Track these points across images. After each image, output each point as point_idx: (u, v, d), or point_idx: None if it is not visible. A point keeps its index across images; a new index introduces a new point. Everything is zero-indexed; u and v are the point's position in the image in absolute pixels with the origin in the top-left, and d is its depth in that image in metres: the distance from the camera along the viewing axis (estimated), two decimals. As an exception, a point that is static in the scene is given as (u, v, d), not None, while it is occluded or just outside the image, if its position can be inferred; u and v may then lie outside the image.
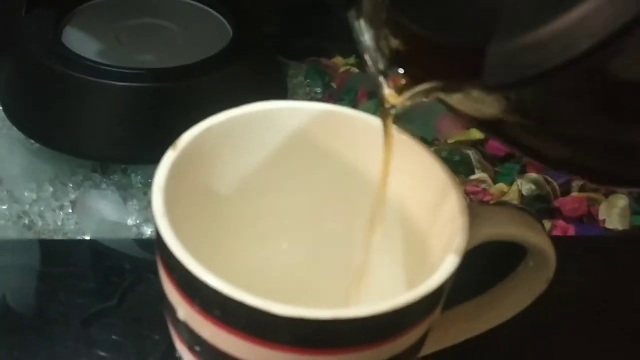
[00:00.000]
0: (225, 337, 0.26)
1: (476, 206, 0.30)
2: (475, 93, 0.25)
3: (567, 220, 0.47)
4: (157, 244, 0.27)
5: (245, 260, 0.35)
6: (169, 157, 0.29)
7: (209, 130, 0.31)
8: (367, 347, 0.26)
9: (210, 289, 0.25)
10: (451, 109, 0.28)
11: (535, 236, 0.30)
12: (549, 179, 0.48)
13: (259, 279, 0.35)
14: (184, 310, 0.27)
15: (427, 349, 0.31)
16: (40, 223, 0.43)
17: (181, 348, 0.29)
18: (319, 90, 0.55)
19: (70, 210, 0.44)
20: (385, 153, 0.29)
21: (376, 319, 0.25)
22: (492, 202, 0.47)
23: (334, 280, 0.35)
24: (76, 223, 0.43)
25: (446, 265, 0.26)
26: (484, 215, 0.30)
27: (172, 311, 0.28)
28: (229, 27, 0.50)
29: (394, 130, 0.29)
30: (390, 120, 0.29)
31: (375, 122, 0.32)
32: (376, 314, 0.25)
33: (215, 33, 0.49)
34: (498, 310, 0.33)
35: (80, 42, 0.47)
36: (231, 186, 0.33)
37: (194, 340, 0.28)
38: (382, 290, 0.34)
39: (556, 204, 0.47)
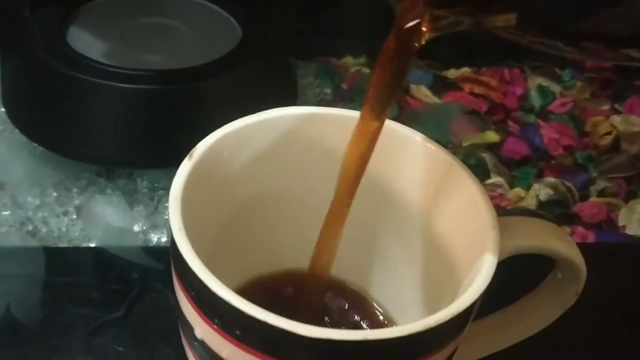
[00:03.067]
0: (245, 356, 0.25)
1: (503, 218, 0.28)
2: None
3: (586, 226, 0.45)
4: (173, 259, 0.26)
5: (262, 269, 0.34)
6: (185, 167, 0.28)
7: (224, 137, 0.30)
8: (395, 368, 0.25)
9: (231, 307, 0.24)
10: None
11: (565, 248, 0.29)
12: (567, 183, 0.47)
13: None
14: (202, 329, 0.26)
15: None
16: (44, 229, 0.42)
17: (196, 366, 0.28)
18: (328, 90, 0.53)
19: (75, 216, 0.43)
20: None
21: (407, 340, 0.24)
22: (509, 208, 0.46)
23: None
24: (81, 229, 0.42)
25: (479, 282, 0.25)
26: (512, 227, 0.29)
27: (188, 329, 0.27)
28: (237, 26, 0.48)
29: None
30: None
31: (393, 126, 0.31)
32: (407, 335, 0.24)
33: (223, 32, 0.48)
34: (524, 324, 0.32)
35: (85, 42, 0.45)
36: (247, 194, 0.32)
37: (211, 359, 0.26)
38: (404, 305, 0.33)
39: (575, 209, 0.46)
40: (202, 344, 0.26)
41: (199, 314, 0.25)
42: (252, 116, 0.31)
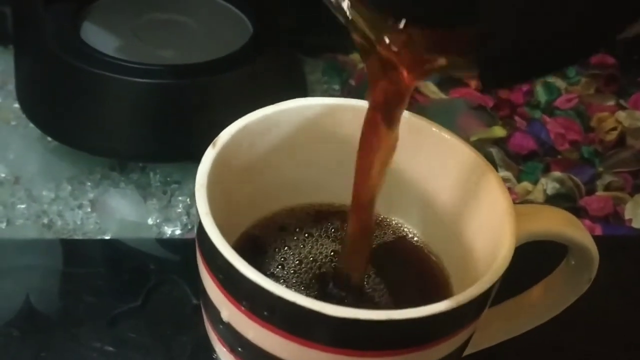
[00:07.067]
0: (271, 337, 0.25)
1: (519, 206, 0.29)
2: None
3: (593, 219, 0.46)
4: (200, 243, 0.27)
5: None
6: (209, 155, 0.29)
7: (245, 127, 0.31)
8: (417, 349, 0.25)
9: (261, 289, 0.24)
10: None
11: (579, 235, 0.30)
12: (574, 177, 0.48)
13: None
14: (229, 311, 0.26)
15: (466, 351, 0.30)
16: (59, 222, 0.42)
17: (220, 349, 0.29)
18: (336, 87, 0.54)
19: (89, 209, 0.43)
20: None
21: (429, 319, 0.24)
22: (517, 202, 0.46)
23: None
24: (96, 222, 0.43)
25: (497, 266, 0.26)
26: (527, 214, 0.29)
27: (214, 312, 0.27)
28: (248, 22, 0.49)
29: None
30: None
31: (411, 117, 0.32)
32: (429, 314, 0.24)
33: (234, 29, 0.48)
34: (537, 310, 0.33)
35: (98, 37, 0.46)
36: (265, 181, 0.33)
37: (236, 341, 0.27)
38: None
39: (581, 203, 0.47)
40: (227, 326, 0.27)
41: (226, 296, 0.26)
42: (271, 107, 0.32)
